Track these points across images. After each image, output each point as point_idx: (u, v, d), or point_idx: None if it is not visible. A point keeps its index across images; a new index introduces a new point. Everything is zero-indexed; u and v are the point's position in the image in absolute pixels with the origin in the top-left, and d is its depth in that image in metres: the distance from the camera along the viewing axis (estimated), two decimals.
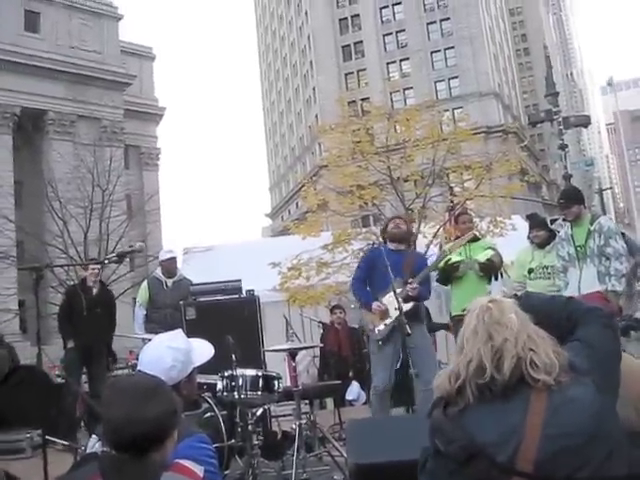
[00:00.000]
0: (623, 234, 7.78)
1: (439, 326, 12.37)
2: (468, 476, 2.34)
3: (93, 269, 9.33)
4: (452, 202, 16.12)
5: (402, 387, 7.34)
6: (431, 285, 7.38)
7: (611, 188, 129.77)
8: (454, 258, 8.22)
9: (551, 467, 2.24)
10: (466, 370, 2.42)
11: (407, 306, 6.62)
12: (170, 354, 3.05)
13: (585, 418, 2.28)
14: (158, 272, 9.63)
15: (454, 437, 2.36)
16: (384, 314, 6.74)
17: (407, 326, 6.03)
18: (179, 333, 3.29)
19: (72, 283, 9.44)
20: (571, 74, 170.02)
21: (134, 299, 26.29)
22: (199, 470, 2.47)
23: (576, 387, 2.35)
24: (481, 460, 2.30)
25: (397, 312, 6.57)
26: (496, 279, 8.53)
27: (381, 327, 6.76)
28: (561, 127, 23.78)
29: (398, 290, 6.62)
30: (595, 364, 2.45)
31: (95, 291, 9.16)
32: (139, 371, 3.08)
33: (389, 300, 6.71)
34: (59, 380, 9.47)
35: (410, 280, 6.64)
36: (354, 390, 10.32)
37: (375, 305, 6.77)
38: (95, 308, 8.96)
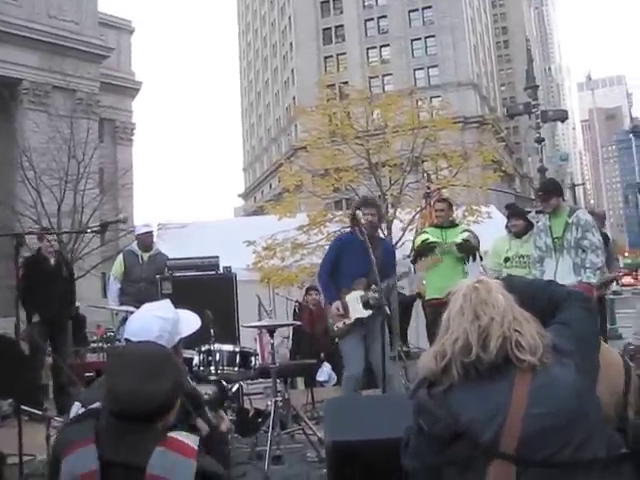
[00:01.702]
0: (606, 236, 7.90)
1: (410, 299, 12.47)
2: (451, 456, 2.36)
3: (49, 241, 9.15)
4: (429, 188, 16.14)
5: (370, 371, 7.38)
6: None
7: (583, 184, 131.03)
8: (431, 239, 8.26)
9: (534, 447, 2.27)
10: (452, 349, 2.44)
11: (368, 312, 6.61)
12: (157, 323, 3.02)
13: (567, 397, 2.32)
14: (134, 246, 9.56)
15: (439, 417, 2.38)
16: (343, 316, 6.71)
17: (386, 307, 6.04)
18: (167, 303, 3.26)
19: (28, 254, 9.20)
20: (549, 69, 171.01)
21: (104, 274, 26.19)
22: (194, 442, 2.44)
23: (559, 368, 2.39)
24: (465, 440, 2.32)
25: (360, 309, 6.59)
26: (474, 260, 8.57)
27: (340, 325, 6.76)
28: (539, 120, 23.91)
29: (361, 293, 6.64)
30: (575, 346, 2.48)
31: (53, 262, 8.98)
32: (126, 340, 3.06)
33: (352, 301, 6.70)
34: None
35: (372, 287, 6.51)
36: (325, 371, 10.35)
37: (334, 308, 6.72)
38: (55, 280, 8.83)
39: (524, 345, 2.39)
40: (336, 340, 7.21)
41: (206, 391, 5.08)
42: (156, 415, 2.44)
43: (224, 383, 5.90)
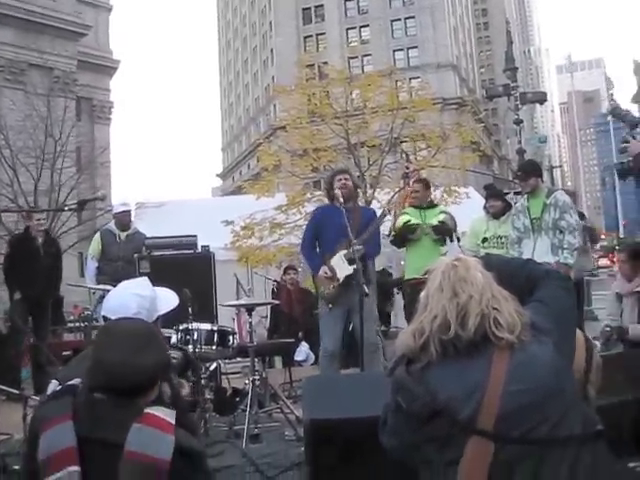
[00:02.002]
0: (582, 215, 7.96)
1: (395, 281, 12.50)
2: (430, 434, 2.37)
3: (38, 219, 9.05)
4: (407, 169, 16.18)
5: (350, 349, 7.39)
6: (380, 241, 7.39)
7: (561, 166, 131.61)
8: (412, 220, 8.29)
9: (512, 423, 2.28)
10: (430, 326, 2.44)
11: (353, 267, 6.53)
12: (135, 301, 3.02)
13: (545, 374, 2.34)
14: (111, 225, 9.51)
15: (417, 394, 2.39)
16: (332, 278, 6.74)
17: (364, 286, 6.04)
18: (145, 280, 3.25)
19: (17, 232, 9.11)
20: (528, 51, 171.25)
21: (81, 253, 26.05)
22: (170, 416, 2.44)
23: (537, 345, 2.40)
24: (443, 418, 2.33)
25: (346, 267, 6.58)
26: (451, 241, 8.62)
27: (330, 290, 6.77)
28: (517, 102, 23.95)
29: (344, 252, 6.64)
30: (553, 324, 2.49)
31: (40, 241, 8.89)
32: (104, 317, 3.05)
33: (337, 262, 6.72)
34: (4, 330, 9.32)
35: (354, 241, 6.51)
36: (303, 351, 10.36)
37: (322, 271, 6.76)
38: (41, 259, 8.76)
39: (502, 323, 2.40)
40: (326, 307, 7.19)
41: (173, 356, 5.11)
42: (142, 389, 2.45)
43: (188, 350, 5.88)
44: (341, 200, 6.66)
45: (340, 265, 6.70)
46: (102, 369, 2.43)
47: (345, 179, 7.05)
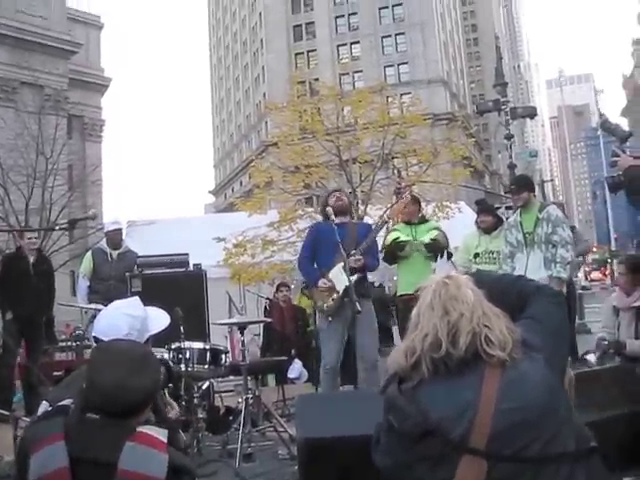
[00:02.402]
0: (572, 227, 7.96)
1: (390, 298, 12.47)
2: (422, 453, 2.35)
3: (30, 238, 9.01)
4: (399, 184, 16.23)
5: (345, 366, 7.37)
6: (378, 254, 7.40)
7: (552, 180, 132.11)
8: (402, 237, 8.28)
9: (504, 442, 2.27)
10: (422, 345, 2.43)
11: (352, 278, 6.52)
12: (126, 321, 3.01)
13: (537, 392, 2.33)
14: (103, 243, 9.48)
15: (409, 413, 2.37)
16: (331, 290, 6.70)
17: (357, 303, 6.02)
18: (136, 300, 3.23)
19: (8, 252, 9.07)
20: (518, 66, 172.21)
21: (72, 272, 25.96)
22: (163, 435, 2.43)
23: (528, 362, 2.39)
24: (435, 437, 2.31)
25: (344, 279, 6.52)
26: (442, 257, 8.62)
27: (329, 303, 6.73)
28: (508, 117, 24.05)
29: (342, 263, 6.58)
30: (544, 341, 2.48)
31: (32, 260, 8.82)
32: (94, 338, 3.03)
33: (335, 274, 6.69)
34: None
35: (353, 252, 6.58)
36: (296, 368, 10.33)
37: (321, 282, 6.73)
38: (33, 278, 8.71)
39: (493, 340, 2.39)
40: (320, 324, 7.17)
41: None
42: (136, 410, 2.44)
43: (170, 363, 5.83)
44: (333, 217, 6.67)
45: (338, 277, 6.65)
46: (97, 390, 2.41)
47: (339, 195, 7.12)
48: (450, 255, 8.60)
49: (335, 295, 6.69)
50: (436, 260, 8.32)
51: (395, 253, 8.31)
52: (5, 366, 8.47)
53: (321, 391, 6.86)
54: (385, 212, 15.31)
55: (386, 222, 7.74)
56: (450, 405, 2.33)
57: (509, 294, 2.75)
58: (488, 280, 2.82)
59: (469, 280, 2.60)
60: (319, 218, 14.64)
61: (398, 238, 8.28)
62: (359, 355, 6.55)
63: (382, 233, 8.60)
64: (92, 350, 2.81)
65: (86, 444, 2.36)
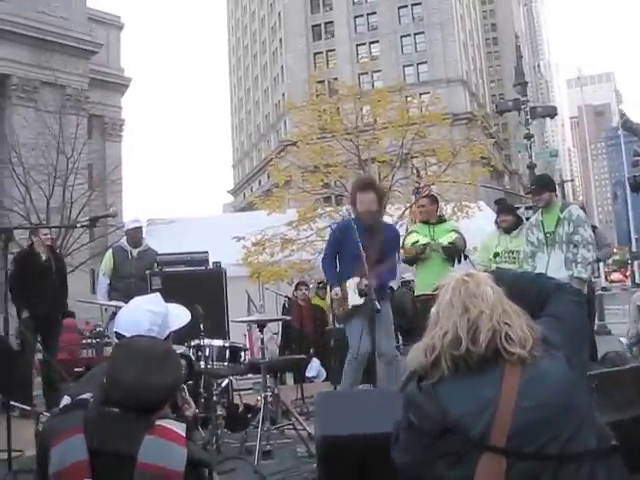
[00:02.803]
0: (594, 227, 7.91)
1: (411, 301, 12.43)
2: (442, 451, 2.35)
3: (45, 234, 9.07)
4: (418, 184, 16.22)
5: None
6: (396, 267, 7.37)
7: (572, 180, 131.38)
8: (421, 239, 8.29)
9: (524, 439, 2.26)
10: (441, 342, 2.43)
11: (361, 300, 6.53)
12: (148, 317, 3.02)
13: (557, 390, 2.32)
14: (123, 242, 9.52)
15: (429, 411, 2.37)
16: (342, 301, 6.71)
17: (376, 302, 6.03)
18: (157, 297, 3.25)
19: (19, 250, 9.12)
20: (538, 66, 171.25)
21: (93, 270, 26.11)
22: (181, 429, 2.45)
23: (549, 360, 2.39)
24: (455, 434, 2.31)
25: (357, 298, 6.55)
26: (459, 262, 8.62)
27: (341, 311, 6.80)
28: (528, 117, 23.95)
29: (357, 280, 6.58)
30: (565, 339, 2.48)
31: (44, 257, 8.86)
32: (116, 334, 3.05)
33: (350, 287, 6.66)
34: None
35: (367, 274, 6.37)
36: (314, 367, 10.37)
37: (333, 293, 6.77)
38: (47, 275, 8.76)
39: (514, 338, 2.39)
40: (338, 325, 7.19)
41: None
42: (157, 406, 2.46)
43: (192, 357, 5.86)
44: (361, 223, 6.62)
45: (352, 292, 6.67)
46: (119, 386, 2.44)
47: (369, 200, 6.80)
48: (466, 257, 8.59)
49: (346, 307, 6.70)
50: (454, 263, 8.32)
51: (415, 256, 8.31)
52: (24, 363, 8.53)
53: (343, 382, 6.80)
54: (403, 212, 15.31)
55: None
56: (470, 402, 2.33)
57: (529, 292, 2.75)
58: (508, 278, 2.82)
59: (489, 278, 2.60)
60: (338, 217, 14.72)
61: (418, 242, 8.28)
62: (378, 353, 6.53)
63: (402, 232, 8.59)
64: (114, 346, 2.83)
65: (105, 437, 2.38)
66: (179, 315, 3.27)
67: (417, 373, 2.50)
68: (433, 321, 2.54)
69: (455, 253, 8.30)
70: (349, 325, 6.85)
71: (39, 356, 9.09)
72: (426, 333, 2.55)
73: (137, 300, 3.21)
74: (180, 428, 2.45)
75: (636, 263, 53.52)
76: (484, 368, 2.37)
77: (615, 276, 72.87)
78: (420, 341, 2.58)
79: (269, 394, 6.09)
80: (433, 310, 2.57)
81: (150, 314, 3.04)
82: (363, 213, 6.74)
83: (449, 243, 8.26)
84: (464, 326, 2.41)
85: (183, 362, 5.37)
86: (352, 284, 6.66)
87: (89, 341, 15.94)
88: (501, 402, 2.29)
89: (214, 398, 6.03)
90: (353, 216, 6.90)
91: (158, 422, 2.42)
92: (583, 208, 8.70)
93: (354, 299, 6.64)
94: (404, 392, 2.53)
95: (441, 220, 8.86)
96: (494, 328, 2.40)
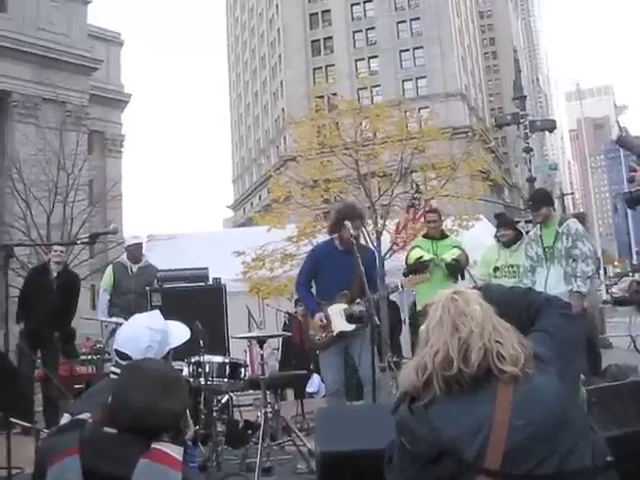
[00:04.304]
0: None
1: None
2: (435, 473, 2.31)
3: (56, 251, 9.10)
4: (414, 199, 16.25)
5: (350, 386, 7.38)
6: (377, 284, 7.29)
7: (572, 194, 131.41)
8: (424, 255, 8.30)
9: (519, 459, 2.24)
10: (432, 362, 2.40)
11: (352, 326, 6.54)
12: (147, 334, 3.03)
13: (551, 405, 2.30)
14: (124, 258, 9.53)
15: (420, 435, 2.33)
16: (326, 328, 6.60)
17: (375, 317, 6.02)
18: (157, 314, 3.26)
19: (33, 266, 9.14)
20: (537, 79, 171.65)
21: (93, 286, 26.08)
22: (178, 453, 2.42)
23: (541, 376, 2.36)
24: (448, 457, 2.28)
25: (340, 325, 6.51)
26: (462, 278, 8.65)
27: (322, 338, 6.66)
28: (527, 130, 23.97)
29: (345, 306, 6.56)
30: (556, 354, 2.46)
31: (55, 274, 8.87)
32: (115, 351, 3.06)
33: (335, 313, 6.60)
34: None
35: (357, 301, 6.46)
36: (315, 383, 10.35)
37: (317, 318, 6.59)
38: (46, 292, 8.74)
39: (505, 356, 2.36)
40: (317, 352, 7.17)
41: None
42: (162, 432, 2.43)
43: (190, 379, 5.85)
44: (341, 247, 6.60)
45: (338, 318, 6.59)
46: (125, 409, 2.41)
47: (357, 228, 6.80)
48: (468, 274, 8.61)
49: (329, 334, 6.61)
50: (457, 279, 8.33)
51: (418, 272, 8.32)
52: (24, 379, 8.51)
53: None
54: (399, 227, 15.32)
55: (399, 289, 7.55)
56: (463, 424, 2.30)
57: (519, 307, 2.73)
58: (497, 294, 2.79)
59: (478, 295, 2.58)
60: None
61: (422, 257, 8.30)
62: (361, 374, 6.54)
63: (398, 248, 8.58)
64: (122, 368, 2.81)
65: (100, 458, 2.36)
66: (178, 332, 3.28)
67: (408, 394, 2.47)
68: (423, 340, 2.50)
69: (458, 270, 8.33)
70: (325, 354, 6.79)
71: (39, 372, 9.08)
72: (417, 351, 2.54)
73: (137, 317, 3.23)
74: (177, 452, 2.42)
75: (637, 275, 53.44)
76: (476, 388, 2.34)
77: (616, 289, 72.68)
78: (411, 360, 2.57)
79: (269, 410, 6.08)
80: (423, 328, 2.54)
81: (150, 331, 3.05)
82: (347, 240, 6.58)
83: (453, 260, 8.28)
84: (455, 345, 2.38)
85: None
86: (337, 310, 6.60)
87: (89, 357, 15.90)
88: (495, 422, 2.26)
89: (214, 414, 6.03)
90: (334, 240, 6.82)
91: (154, 445, 2.39)
92: (584, 218, 8.72)
93: (341, 325, 6.58)
94: (396, 415, 2.50)
95: (443, 235, 8.89)
96: (485, 347, 2.37)
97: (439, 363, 2.37)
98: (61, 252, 9.34)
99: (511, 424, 2.25)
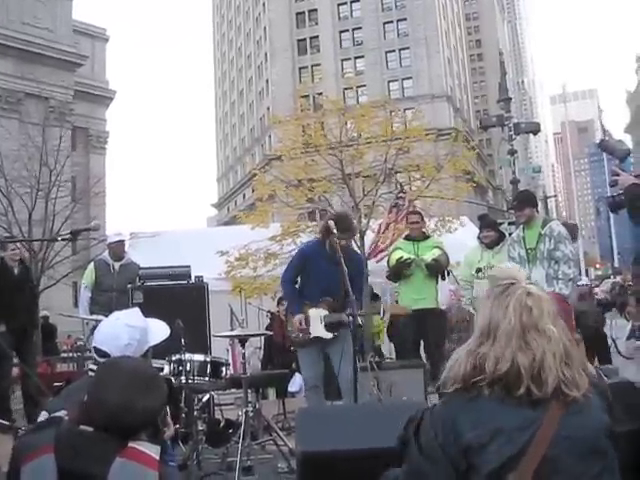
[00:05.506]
0: None
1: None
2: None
3: (13, 249, 8.93)
4: (398, 199, 16.26)
5: (330, 381, 7.37)
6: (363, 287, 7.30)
7: (555, 196, 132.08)
8: (405, 255, 8.32)
9: (553, 469, 2.14)
10: (494, 367, 2.23)
11: (329, 335, 6.55)
12: (126, 332, 3.01)
13: (595, 430, 2.21)
14: (106, 255, 9.49)
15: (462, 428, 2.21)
16: (304, 330, 6.60)
17: (358, 318, 6.02)
18: (136, 311, 3.24)
19: None
20: (522, 82, 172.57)
21: (75, 283, 25.93)
22: (155, 452, 2.39)
23: (592, 400, 2.27)
24: (479, 465, 2.17)
25: (318, 330, 6.53)
26: (443, 279, 8.69)
27: (299, 337, 6.68)
28: (511, 133, 24.07)
29: (325, 313, 6.56)
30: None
31: (17, 271, 8.70)
32: (94, 348, 3.03)
33: (315, 317, 6.60)
34: None
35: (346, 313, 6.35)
36: (297, 382, 10.32)
37: (297, 320, 6.57)
38: (20, 289, 8.67)
39: (572, 381, 2.24)
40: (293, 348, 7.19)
41: None
42: (138, 430, 2.41)
43: (172, 379, 5.82)
44: (330, 251, 6.52)
45: (316, 322, 6.59)
46: (102, 407, 2.38)
47: (346, 240, 6.68)
48: (449, 273, 8.65)
49: (306, 335, 6.61)
50: (437, 280, 8.36)
51: (400, 272, 8.34)
52: (2, 376, 8.44)
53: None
54: (381, 227, 15.33)
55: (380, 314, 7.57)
56: (506, 428, 2.17)
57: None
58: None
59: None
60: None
61: (402, 257, 8.32)
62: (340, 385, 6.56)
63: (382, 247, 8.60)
64: (99, 366, 2.78)
65: (75, 456, 2.34)
66: (158, 330, 3.26)
67: (415, 423, 2.33)
68: (484, 332, 2.32)
69: (438, 269, 8.36)
70: (304, 351, 6.81)
71: (17, 369, 9.01)
72: (475, 337, 2.35)
73: (116, 314, 3.20)
74: (154, 451, 2.39)
75: (619, 278, 53.82)
76: (534, 404, 2.21)
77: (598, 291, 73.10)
78: (463, 349, 2.37)
79: (250, 409, 6.06)
80: (484, 317, 2.36)
81: (129, 328, 3.03)
82: (337, 244, 6.36)
83: (433, 260, 8.31)
84: (526, 363, 2.22)
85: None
86: (317, 315, 6.59)
87: (70, 355, 15.86)
88: (536, 441, 2.15)
89: (195, 413, 6.00)
90: (322, 241, 6.74)
91: (131, 444, 2.36)
92: (576, 228, 8.75)
93: (318, 330, 6.58)
94: (431, 414, 2.34)
95: (425, 236, 8.93)
96: (558, 372, 2.23)
97: (504, 372, 2.22)
98: (18, 250, 9.15)
99: (557, 433, 2.16)
